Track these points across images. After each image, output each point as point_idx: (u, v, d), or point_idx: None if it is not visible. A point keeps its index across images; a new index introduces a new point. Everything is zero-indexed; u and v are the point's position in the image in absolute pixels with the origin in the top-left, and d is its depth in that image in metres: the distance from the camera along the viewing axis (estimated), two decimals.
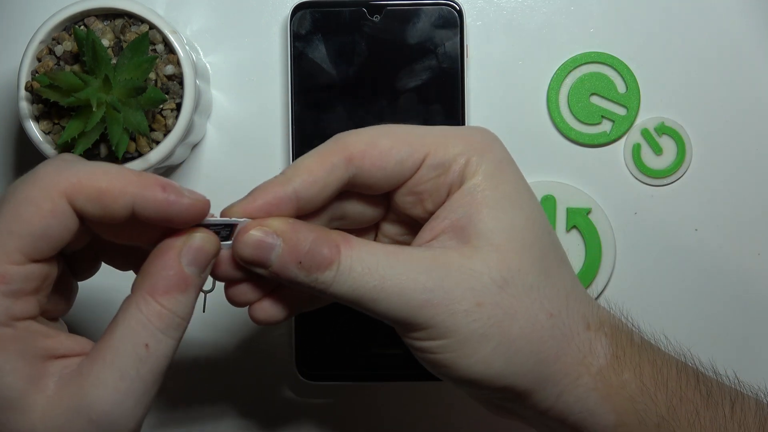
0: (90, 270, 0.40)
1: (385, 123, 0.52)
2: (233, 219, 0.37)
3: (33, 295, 0.35)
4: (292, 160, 0.53)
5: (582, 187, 0.55)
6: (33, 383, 0.33)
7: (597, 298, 0.55)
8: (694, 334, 0.55)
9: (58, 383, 0.34)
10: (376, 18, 0.53)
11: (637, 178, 0.55)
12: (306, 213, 0.38)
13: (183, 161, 0.55)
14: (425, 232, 0.38)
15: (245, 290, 0.39)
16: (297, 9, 0.53)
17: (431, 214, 0.38)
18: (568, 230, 0.55)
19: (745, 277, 0.55)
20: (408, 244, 0.39)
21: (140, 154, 0.48)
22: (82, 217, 0.35)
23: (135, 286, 0.35)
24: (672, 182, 0.55)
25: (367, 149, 0.37)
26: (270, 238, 0.36)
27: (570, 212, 0.55)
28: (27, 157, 0.55)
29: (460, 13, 0.53)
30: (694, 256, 0.55)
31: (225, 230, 0.37)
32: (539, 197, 0.55)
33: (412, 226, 0.40)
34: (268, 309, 0.40)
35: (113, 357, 0.34)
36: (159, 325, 0.34)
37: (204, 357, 0.55)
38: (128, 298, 0.35)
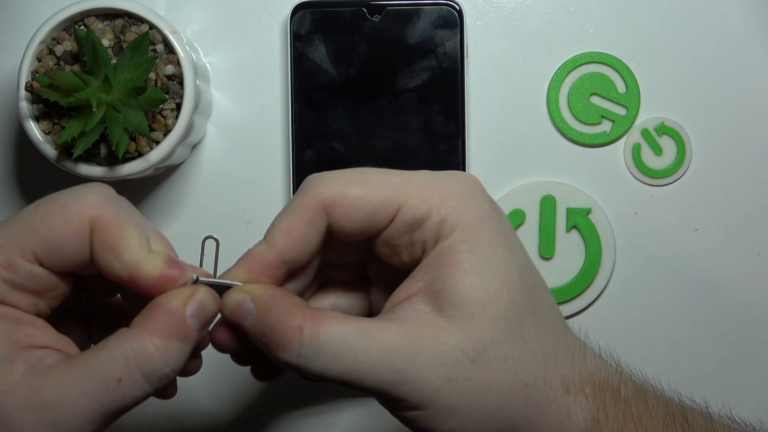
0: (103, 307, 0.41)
1: (385, 123, 0.53)
2: (231, 281, 0.37)
3: (32, 295, 0.35)
4: (292, 160, 0.53)
5: (582, 187, 0.55)
6: (4, 364, 0.34)
7: (597, 298, 0.55)
8: (693, 334, 0.55)
9: (27, 372, 0.34)
10: (376, 18, 0.53)
11: (637, 178, 0.55)
12: (298, 269, 0.38)
13: (183, 161, 0.55)
14: (401, 292, 0.37)
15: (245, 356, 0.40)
16: (297, 9, 0.53)
17: (408, 266, 0.37)
18: (568, 230, 0.55)
19: (745, 277, 0.55)
20: (393, 284, 0.39)
21: (140, 154, 0.48)
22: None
23: (134, 323, 0.35)
24: (672, 182, 0.55)
25: (337, 199, 0.36)
26: (247, 304, 0.36)
27: (570, 212, 0.55)
28: (27, 157, 0.56)
29: (460, 13, 0.53)
30: (694, 256, 0.55)
31: (223, 290, 0.37)
32: (539, 197, 0.55)
33: (398, 270, 0.39)
34: (268, 369, 0.41)
35: (83, 374, 0.34)
36: (144, 368, 0.34)
37: (203, 356, 0.55)
38: (124, 329, 0.35)
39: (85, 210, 0.35)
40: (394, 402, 0.36)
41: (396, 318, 0.36)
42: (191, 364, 0.38)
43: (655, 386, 0.39)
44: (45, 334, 0.35)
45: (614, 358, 0.39)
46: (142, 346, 0.34)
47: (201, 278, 0.36)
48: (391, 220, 0.37)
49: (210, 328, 0.38)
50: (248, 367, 0.42)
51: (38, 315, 0.36)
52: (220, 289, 0.37)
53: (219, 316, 0.38)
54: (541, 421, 0.36)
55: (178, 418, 0.56)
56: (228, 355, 0.40)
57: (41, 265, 0.35)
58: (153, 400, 0.37)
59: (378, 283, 0.41)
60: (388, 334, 0.35)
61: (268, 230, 0.37)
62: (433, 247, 0.36)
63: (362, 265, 0.41)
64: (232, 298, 0.36)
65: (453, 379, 0.35)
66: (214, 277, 0.37)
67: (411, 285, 0.36)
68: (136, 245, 0.35)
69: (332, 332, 0.35)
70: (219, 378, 0.56)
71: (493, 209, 0.37)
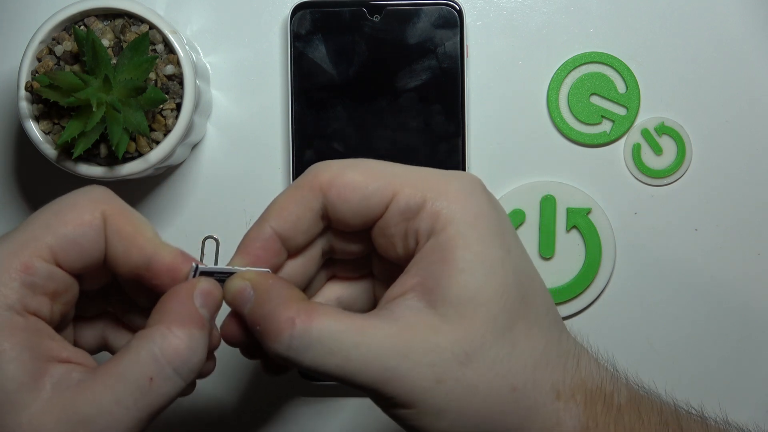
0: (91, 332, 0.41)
1: (385, 123, 0.53)
2: (233, 267, 0.37)
3: (49, 298, 0.35)
4: (292, 160, 0.53)
5: (582, 187, 0.55)
6: (32, 380, 0.33)
7: (597, 298, 0.55)
8: (693, 334, 0.55)
9: (55, 389, 0.34)
10: (376, 18, 0.53)
11: (637, 178, 0.55)
12: (295, 249, 0.38)
13: (183, 161, 0.55)
14: (395, 288, 0.37)
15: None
16: (297, 9, 0.53)
17: (404, 260, 0.37)
18: (568, 230, 0.55)
19: (745, 277, 0.55)
20: (394, 280, 0.39)
21: (140, 154, 0.48)
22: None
23: (150, 323, 0.35)
24: (672, 182, 0.55)
25: (334, 180, 0.37)
26: (248, 291, 0.36)
27: (570, 212, 0.55)
28: (27, 157, 0.56)
29: (460, 13, 0.53)
30: (694, 256, 0.55)
31: (226, 278, 0.38)
32: (539, 197, 0.55)
33: (397, 266, 0.39)
34: (277, 364, 0.40)
35: (114, 382, 0.34)
36: (173, 361, 0.34)
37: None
38: (142, 331, 0.35)
39: (96, 203, 0.36)
40: (384, 399, 0.36)
41: (389, 315, 0.36)
42: (206, 364, 0.38)
43: (651, 392, 0.39)
44: (64, 347, 0.35)
45: (611, 363, 0.39)
46: (166, 341, 0.34)
47: (200, 266, 0.37)
48: (386, 208, 0.37)
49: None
50: (254, 362, 0.42)
51: (51, 323, 0.36)
52: (222, 278, 0.37)
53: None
54: (529, 426, 0.36)
55: (185, 410, 0.56)
56: (236, 351, 0.40)
57: (58, 263, 0.35)
58: None
59: (381, 279, 0.41)
60: (379, 331, 0.35)
61: (266, 208, 0.38)
62: (427, 241, 0.36)
63: (367, 261, 0.41)
64: (233, 284, 0.37)
65: (442, 380, 0.35)
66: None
67: (405, 281, 0.36)
68: (151, 233, 0.36)
69: (324, 327, 0.34)
70: (226, 370, 0.56)
71: (492, 208, 0.37)
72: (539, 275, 0.38)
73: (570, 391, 0.37)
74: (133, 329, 0.41)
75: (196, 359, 0.35)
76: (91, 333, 0.41)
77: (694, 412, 0.39)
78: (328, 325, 0.35)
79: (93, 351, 0.41)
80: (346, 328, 0.35)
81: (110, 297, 0.40)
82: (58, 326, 0.37)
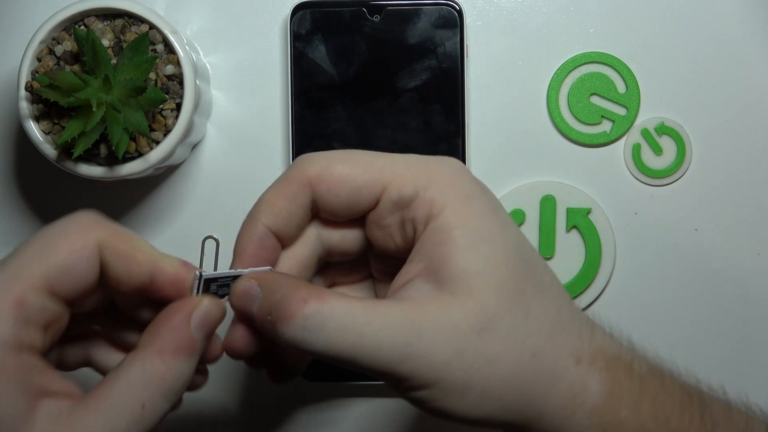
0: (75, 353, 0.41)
1: (385, 123, 0.53)
2: (236, 270, 0.37)
3: (42, 329, 0.35)
4: (292, 160, 0.53)
5: (582, 187, 0.55)
6: (25, 419, 0.33)
7: (597, 298, 0.55)
8: (693, 334, 0.55)
9: (46, 424, 0.33)
10: (376, 18, 0.53)
11: (637, 178, 0.55)
12: (287, 241, 0.39)
13: (183, 161, 0.55)
14: (401, 277, 0.36)
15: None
16: (297, 9, 0.53)
17: (404, 250, 0.37)
18: (568, 230, 0.55)
19: (745, 277, 0.55)
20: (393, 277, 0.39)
21: (140, 154, 0.48)
22: (102, 272, 0.36)
23: (141, 344, 0.35)
24: (672, 182, 0.55)
25: (322, 174, 0.37)
26: (254, 289, 0.36)
27: (570, 212, 0.55)
28: (27, 157, 0.56)
29: (460, 13, 0.53)
30: (694, 256, 0.55)
31: (230, 281, 0.38)
32: (539, 197, 0.55)
33: (397, 261, 0.39)
34: (283, 370, 0.40)
35: (107, 409, 0.34)
36: (161, 388, 0.34)
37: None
38: (132, 354, 0.35)
39: (87, 230, 0.35)
40: (401, 381, 0.35)
41: (399, 298, 0.36)
42: (197, 378, 0.38)
43: (671, 368, 0.38)
44: (53, 380, 0.35)
45: (626, 338, 0.38)
46: (154, 367, 0.34)
47: (204, 274, 0.37)
48: (377, 200, 0.37)
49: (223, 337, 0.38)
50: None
51: (42, 351, 0.35)
52: (226, 281, 0.37)
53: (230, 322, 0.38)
54: (554, 392, 0.35)
55: (185, 412, 0.56)
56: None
57: (52, 293, 0.35)
58: None
59: (382, 279, 0.41)
60: (391, 309, 0.35)
61: (253, 205, 0.38)
62: (425, 228, 0.36)
63: (365, 263, 0.41)
64: (239, 286, 0.37)
65: (462, 353, 0.34)
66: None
67: (410, 269, 0.36)
68: (148, 248, 0.36)
69: (336, 306, 0.34)
70: (225, 370, 0.56)
71: (481, 189, 0.37)
72: (535, 249, 0.39)
73: (590, 357, 0.36)
74: (122, 346, 0.41)
75: (180, 384, 0.35)
76: (73, 352, 0.40)
77: (713, 392, 0.39)
78: (339, 304, 0.34)
79: (75, 368, 0.41)
80: (358, 306, 0.34)
81: (96, 317, 0.40)
82: (46, 351, 0.37)
